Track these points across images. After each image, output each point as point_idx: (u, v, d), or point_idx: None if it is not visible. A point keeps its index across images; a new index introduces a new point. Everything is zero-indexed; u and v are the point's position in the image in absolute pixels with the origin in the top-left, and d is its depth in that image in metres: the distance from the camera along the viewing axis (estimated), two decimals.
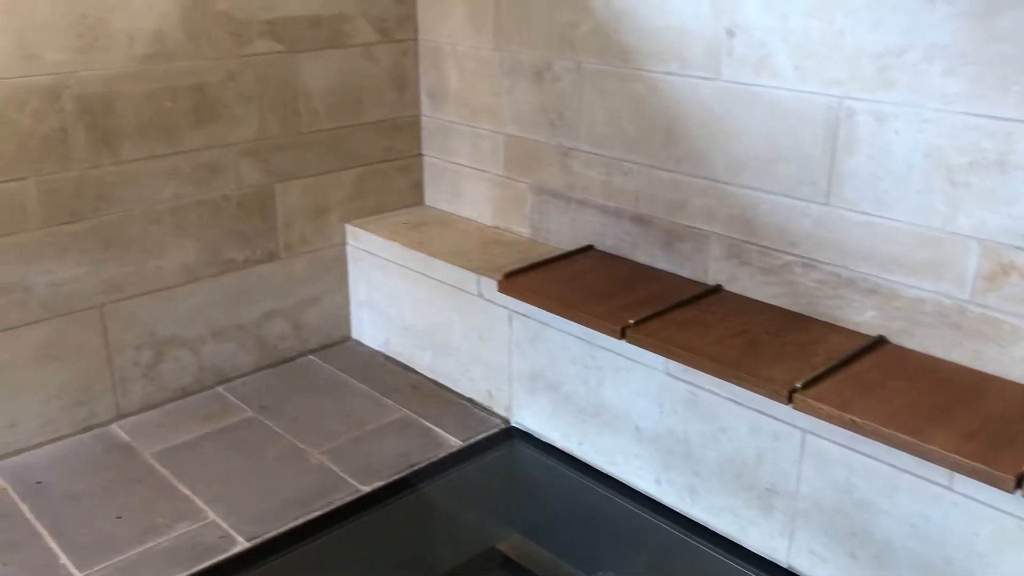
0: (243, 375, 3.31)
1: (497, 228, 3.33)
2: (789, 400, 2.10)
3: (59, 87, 2.68)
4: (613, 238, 2.91)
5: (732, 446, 2.41)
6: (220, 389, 3.22)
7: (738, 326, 2.40)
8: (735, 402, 2.37)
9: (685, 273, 2.73)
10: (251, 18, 3.02)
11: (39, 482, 2.70)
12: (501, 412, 3.06)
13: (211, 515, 2.54)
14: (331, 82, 3.27)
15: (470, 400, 3.16)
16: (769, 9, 2.33)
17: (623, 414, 2.68)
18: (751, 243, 2.53)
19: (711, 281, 2.66)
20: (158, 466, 2.78)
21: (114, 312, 2.95)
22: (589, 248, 2.98)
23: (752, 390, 2.19)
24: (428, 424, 3.02)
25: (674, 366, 2.47)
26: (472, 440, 2.95)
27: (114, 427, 3.00)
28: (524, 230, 3.23)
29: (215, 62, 2.98)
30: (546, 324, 2.80)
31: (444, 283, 3.12)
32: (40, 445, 2.87)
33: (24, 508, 2.57)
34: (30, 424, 2.84)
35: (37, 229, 2.73)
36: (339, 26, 3.24)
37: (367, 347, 3.56)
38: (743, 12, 2.39)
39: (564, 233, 3.07)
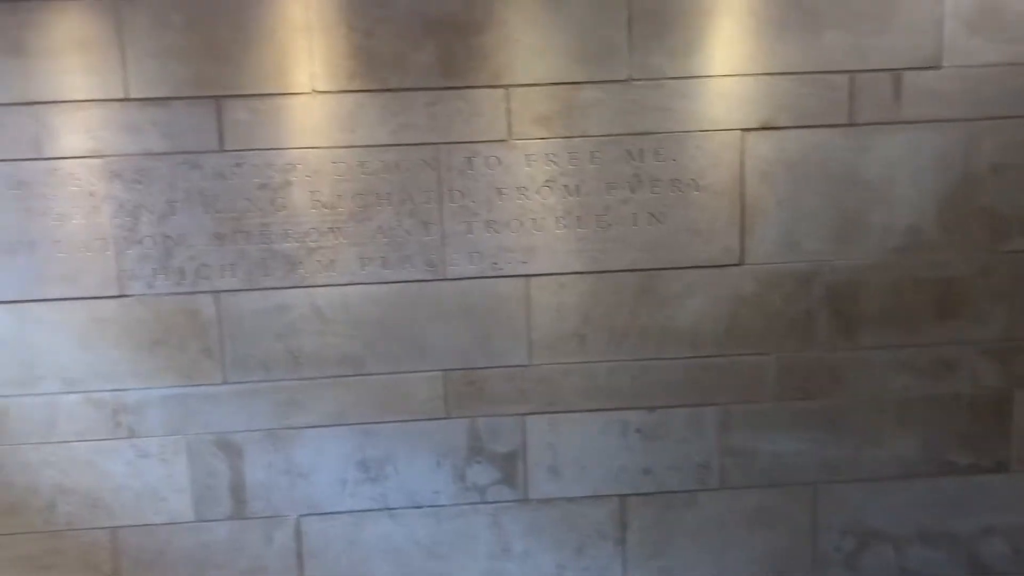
0: None
1: None
2: None
3: (812, 273, 2.86)
4: None
5: None
6: None
7: None
8: None
9: None
10: (1014, 214, 2.86)
11: None
12: None
13: None
14: None
15: None
16: None
17: None
18: None
19: None
20: None
21: (826, 492, 2.98)
22: None
23: None
24: None
25: None
26: None
27: None
28: None
29: (967, 257, 2.88)
30: None
31: None
32: None
33: None
34: None
35: (771, 401, 2.92)
36: None
37: None
38: None
39: None
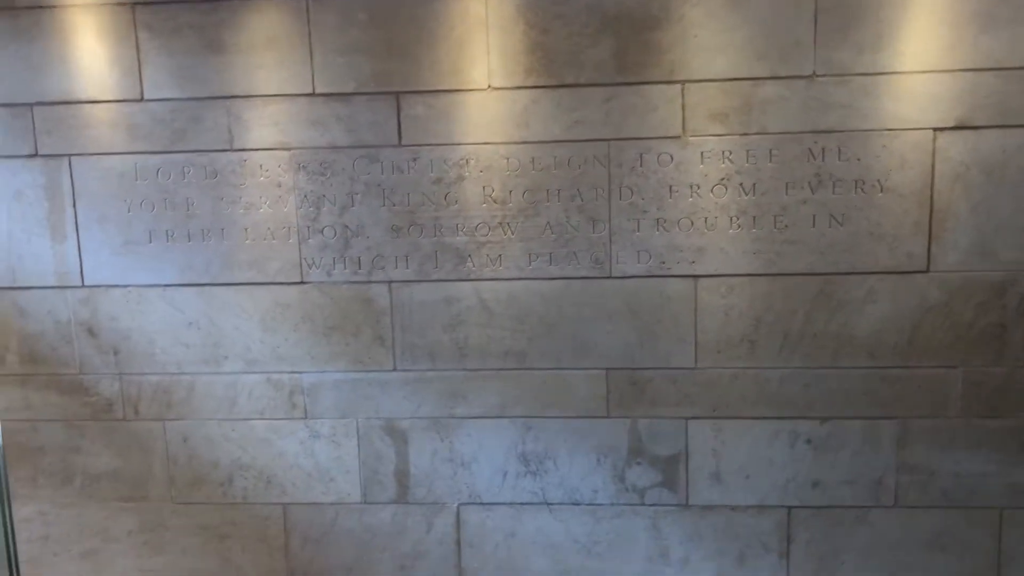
0: None
1: None
2: None
3: (1007, 283, 2.67)
4: None
5: None
6: None
7: None
8: None
9: None
10: None
11: None
12: None
13: None
14: None
15: None
16: None
17: None
18: None
19: None
20: None
21: (1014, 519, 2.77)
22: None
23: None
24: None
25: None
26: None
27: None
28: None
29: None
30: None
31: None
32: None
33: None
34: None
35: (955, 417, 2.74)
36: None
37: None
38: None
39: None
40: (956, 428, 2.75)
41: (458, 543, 2.99)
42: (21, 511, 3.04)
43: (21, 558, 2.36)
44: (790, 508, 2.85)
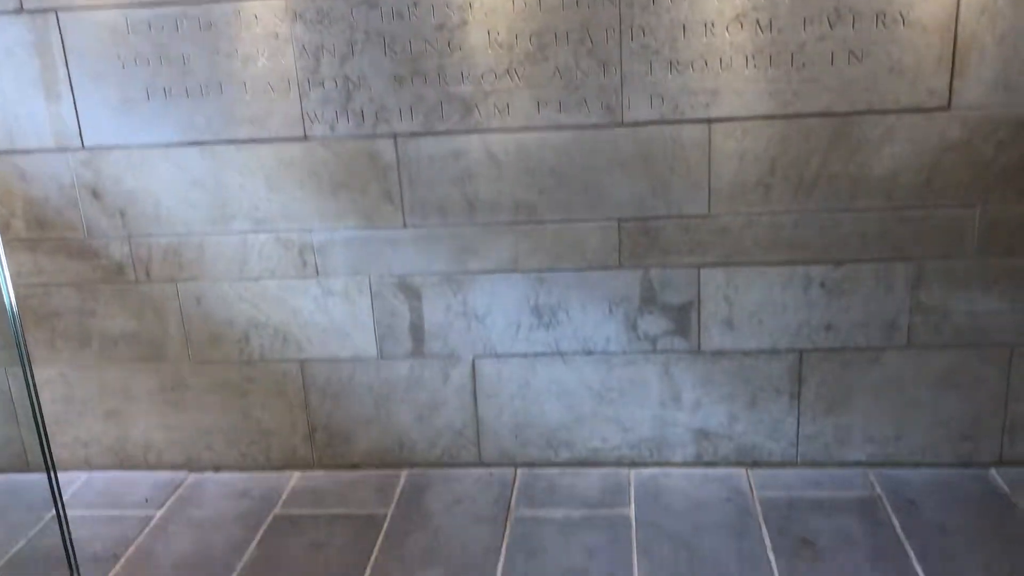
0: None
1: None
2: None
3: None
4: None
5: None
6: None
7: None
8: None
9: None
10: None
11: (911, 501, 2.74)
12: None
13: None
14: None
15: None
16: None
17: None
18: None
19: None
20: None
21: (1023, 355, 2.80)
22: None
23: None
24: None
25: None
26: None
27: (992, 472, 2.87)
28: None
29: None
30: None
31: None
32: (917, 465, 2.92)
33: (895, 522, 2.65)
34: (913, 442, 2.91)
35: (971, 257, 2.72)
36: None
37: None
38: None
39: None
40: (971, 268, 2.74)
41: (474, 393, 3.04)
42: (42, 373, 3.09)
43: (46, 419, 2.41)
44: (802, 351, 2.87)
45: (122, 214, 2.94)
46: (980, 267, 2.73)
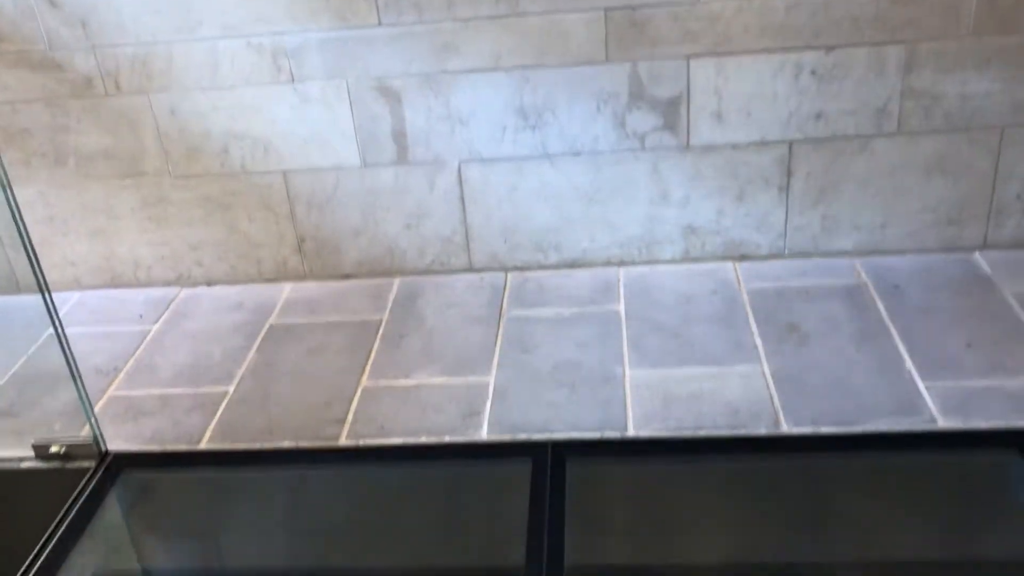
0: None
1: None
2: None
3: None
4: None
5: None
6: None
7: None
8: None
9: None
10: None
11: (896, 286, 2.79)
12: None
13: None
14: None
15: None
16: None
17: None
18: None
19: None
20: (1017, 307, 2.63)
21: (1013, 137, 2.77)
22: None
23: None
24: None
25: None
26: None
27: (976, 255, 2.91)
28: None
29: None
30: None
31: None
32: (903, 252, 2.95)
33: (880, 306, 2.70)
34: (899, 229, 2.93)
35: (965, 36, 2.65)
36: None
37: None
38: None
39: None
40: (965, 48, 2.66)
41: (461, 199, 3.01)
42: (21, 193, 3.01)
43: (32, 240, 2.37)
44: (791, 142, 2.84)
45: (83, 24, 2.80)
46: (974, 47, 2.66)
